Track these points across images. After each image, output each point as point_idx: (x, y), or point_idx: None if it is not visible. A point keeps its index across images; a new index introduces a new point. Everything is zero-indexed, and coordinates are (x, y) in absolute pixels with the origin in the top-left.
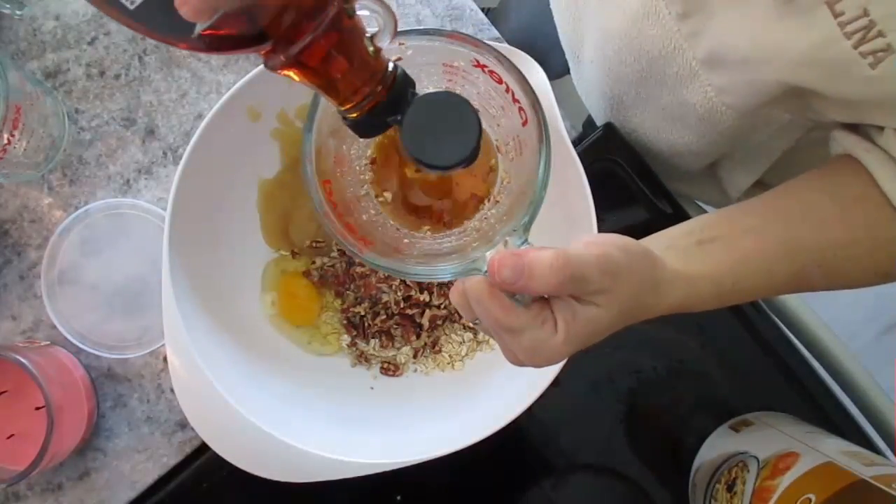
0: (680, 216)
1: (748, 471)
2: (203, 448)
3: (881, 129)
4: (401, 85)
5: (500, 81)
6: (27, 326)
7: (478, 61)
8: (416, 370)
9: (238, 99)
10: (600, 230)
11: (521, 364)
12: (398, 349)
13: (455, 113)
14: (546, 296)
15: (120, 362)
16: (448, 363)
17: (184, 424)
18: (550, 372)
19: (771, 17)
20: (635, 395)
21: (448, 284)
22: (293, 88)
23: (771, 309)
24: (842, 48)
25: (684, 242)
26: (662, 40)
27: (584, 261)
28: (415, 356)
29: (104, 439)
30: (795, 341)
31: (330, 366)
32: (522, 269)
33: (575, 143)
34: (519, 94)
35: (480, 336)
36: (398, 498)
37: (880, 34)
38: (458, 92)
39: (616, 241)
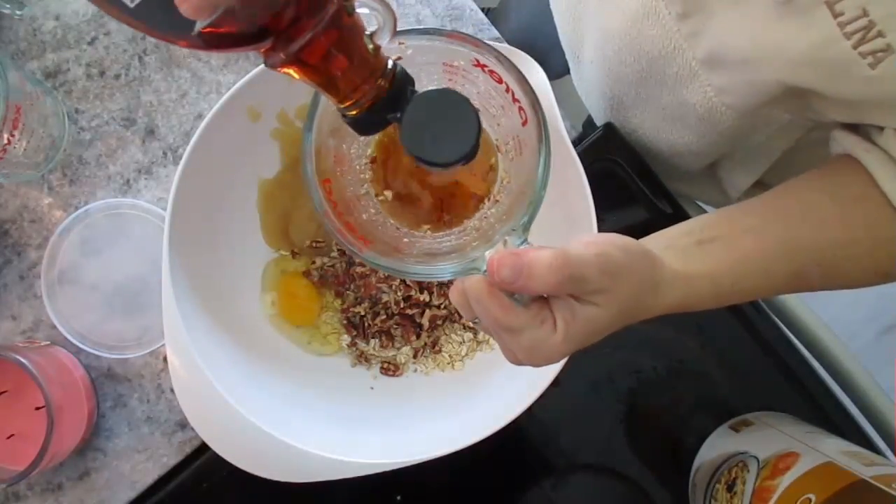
0: (680, 216)
1: (748, 471)
2: (203, 448)
3: (881, 129)
4: (400, 82)
5: (500, 81)
6: (27, 326)
7: (478, 61)
8: (416, 370)
9: (238, 99)
10: (600, 230)
11: (520, 363)
12: (398, 349)
13: (454, 110)
14: (545, 295)
15: (120, 362)
16: (448, 363)
17: (184, 424)
18: (550, 372)
19: (770, 18)
20: (635, 395)
21: (448, 284)
22: (293, 88)
23: (771, 309)
24: (841, 48)
25: (683, 242)
26: (662, 40)
27: (584, 260)
28: (415, 356)
29: (104, 439)
30: (795, 341)
31: (330, 366)
32: (521, 269)
33: (575, 143)
34: (519, 94)
35: (480, 336)
36: (398, 498)
37: (880, 34)
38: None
39: (615, 241)
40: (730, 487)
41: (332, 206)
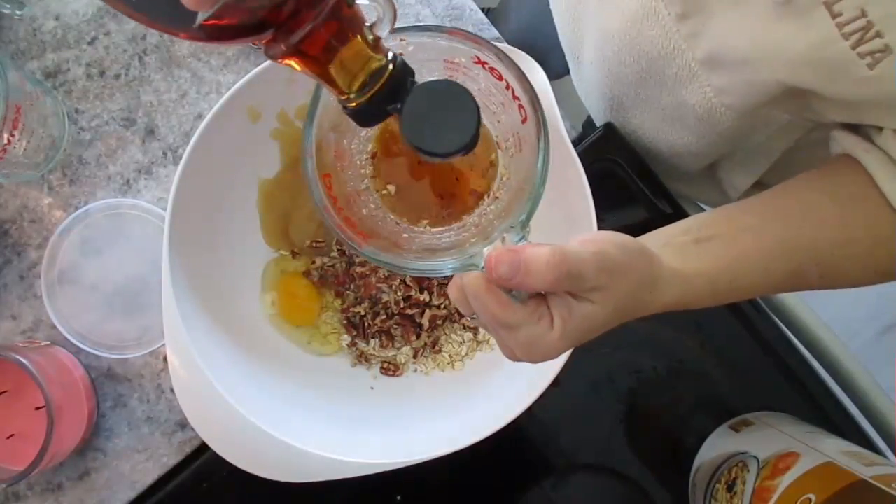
0: (680, 216)
1: (748, 471)
2: (203, 448)
3: (880, 129)
4: (400, 73)
5: (500, 78)
6: (27, 326)
7: (478, 58)
8: (416, 370)
9: (238, 99)
10: (600, 230)
11: (517, 360)
12: (398, 349)
13: (454, 101)
14: (543, 292)
15: (120, 362)
16: (448, 363)
17: (184, 424)
18: (550, 372)
19: (770, 18)
20: (635, 395)
21: (448, 284)
22: (293, 89)
23: (771, 309)
24: (840, 49)
25: (682, 240)
26: (662, 41)
27: (581, 258)
28: (415, 356)
29: (104, 439)
30: (795, 341)
31: (330, 366)
32: (519, 266)
33: (575, 143)
34: (518, 92)
35: (480, 336)
36: (398, 498)
37: (878, 35)
38: None
39: (613, 239)
40: (730, 487)
41: (332, 201)
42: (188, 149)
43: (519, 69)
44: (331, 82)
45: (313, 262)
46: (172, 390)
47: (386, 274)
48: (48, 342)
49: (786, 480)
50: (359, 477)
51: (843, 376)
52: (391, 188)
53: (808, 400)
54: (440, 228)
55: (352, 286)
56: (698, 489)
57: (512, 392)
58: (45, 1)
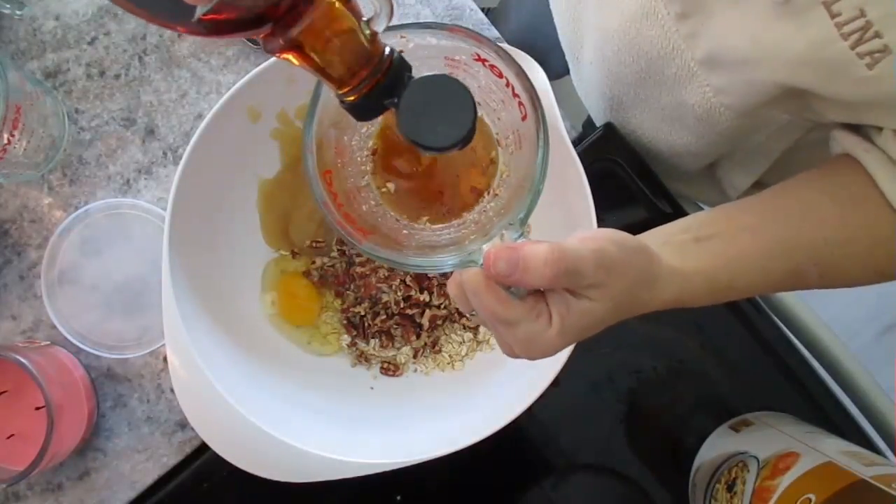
0: (679, 216)
1: (748, 471)
2: (203, 448)
3: (880, 129)
4: (397, 68)
5: (500, 76)
6: (27, 326)
7: (478, 55)
8: (416, 370)
9: (238, 99)
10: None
11: (515, 356)
12: (398, 349)
13: (451, 95)
14: (542, 289)
15: (120, 362)
16: (448, 363)
17: (184, 424)
18: (550, 372)
19: (769, 18)
20: (635, 395)
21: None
22: (293, 88)
23: (771, 309)
24: (839, 49)
25: (681, 238)
26: (661, 41)
27: (579, 255)
28: (415, 356)
29: (104, 439)
30: (795, 341)
31: (330, 366)
32: (517, 263)
33: (575, 143)
34: (518, 89)
35: (480, 336)
36: (398, 498)
37: (877, 35)
38: None
39: (612, 236)
40: (730, 487)
41: (332, 197)
42: (188, 149)
43: (519, 66)
44: (328, 77)
45: (313, 262)
46: (172, 390)
47: (386, 274)
48: (48, 342)
49: (786, 480)
50: (359, 477)
51: (843, 376)
52: (391, 185)
53: (808, 400)
54: (440, 225)
55: (352, 286)
56: (698, 489)
57: (512, 392)
58: (45, 1)
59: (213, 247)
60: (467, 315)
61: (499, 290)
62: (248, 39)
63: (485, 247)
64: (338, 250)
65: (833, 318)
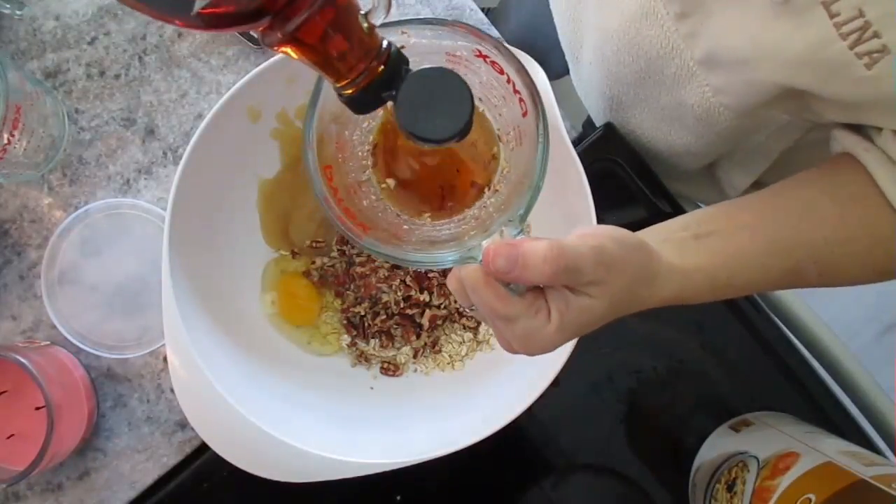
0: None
1: (748, 471)
2: (203, 448)
3: (880, 129)
4: (395, 62)
5: (501, 72)
6: (27, 326)
7: (479, 52)
8: (416, 370)
9: (238, 99)
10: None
11: (514, 352)
12: (398, 349)
13: (448, 87)
14: (541, 286)
15: (120, 362)
16: (448, 363)
17: (184, 424)
18: (550, 372)
19: (768, 18)
20: (635, 395)
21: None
22: (293, 88)
23: (771, 308)
24: (837, 49)
25: (681, 236)
26: (660, 40)
27: (579, 252)
28: (415, 356)
29: (104, 439)
30: (795, 341)
31: (330, 366)
32: (516, 259)
33: (575, 143)
34: (519, 85)
35: (480, 336)
36: (398, 498)
37: (876, 35)
38: None
39: (611, 233)
40: (730, 487)
41: (332, 192)
42: (188, 149)
43: (519, 63)
44: (326, 70)
45: (313, 262)
46: (172, 390)
47: (386, 274)
48: (48, 342)
49: (786, 480)
50: (359, 477)
51: (843, 376)
52: (392, 181)
53: (808, 400)
54: (440, 220)
55: (352, 286)
56: (698, 489)
57: (512, 392)
58: (45, 1)
59: (213, 247)
60: (467, 309)
61: (498, 287)
62: (248, 38)
63: (484, 243)
64: (338, 250)
65: (833, 318)
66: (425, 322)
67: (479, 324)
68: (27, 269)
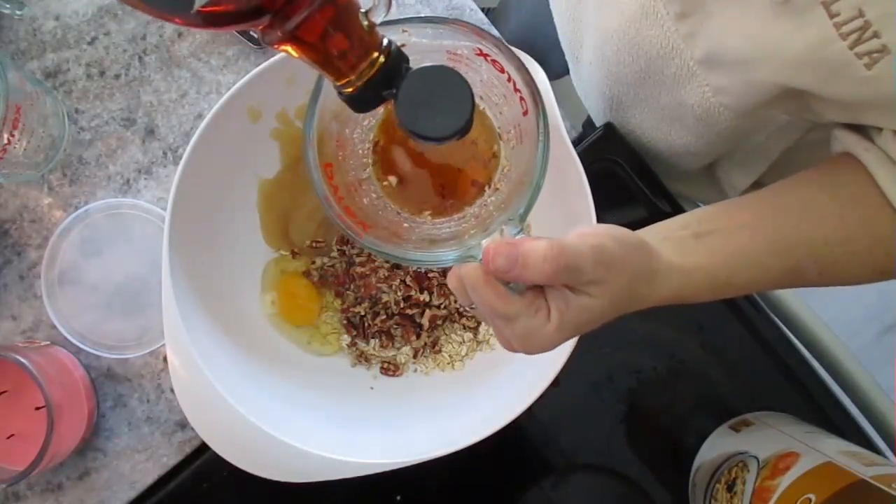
0: None
1: (748, 471)
2: (203, 448)
3: (880, 129)
4: (395, 60)
5: (502, 71)
6: (27, 326)
7: (480, 50)
8: (416, 370)
9: (238, 99)
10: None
11: (514, 350)
12: (398, 349)
13: (448, 85)
14: (541, 285)
15: (120, 362)
16: (448, 363)
17: (184, 424)
18: (550, 372)
19: (768, 17)
20: (635, 395)
21: (447, 284)
22: (293, 88)
23: (771, 308)
24: (837, 49)
25: (681, 235)
26: (660, 40)
27: (578, 251)
28: (415, 356)
29: (104, 439)
30: (795, 341)
31: (330, 366)
32: (516, 259)
33: (575, 143)
34: (520, 84)
35: (480, 336)
36: (398, 498)
37: (875, 35)
38: None
39: (611, 232)
40: (730, 487)
41: (332, 190)
42: (188, 149)
43: (520, 61)
44: (327, 68)
45: (313, 262)
46: (172, 390)
47: (386, 274)
48: (48, 342)
49: (786, 480)
50: (359, 477)
51: (843, 376)
52: (393, 178)
53: (808, 400)
54: (441, 219)
55: (352, 286)
56: (698, 489)
57: (512, 392)
58: (45, 1)
59: (213, 247)
60: (467, 308)
61: (498, 285)
62: (248, 38)
63: (484, 242)
64: (338, 250)
65: (833, 318)
66: (425, 322)
67: (479, 324)
68: (27, 269)
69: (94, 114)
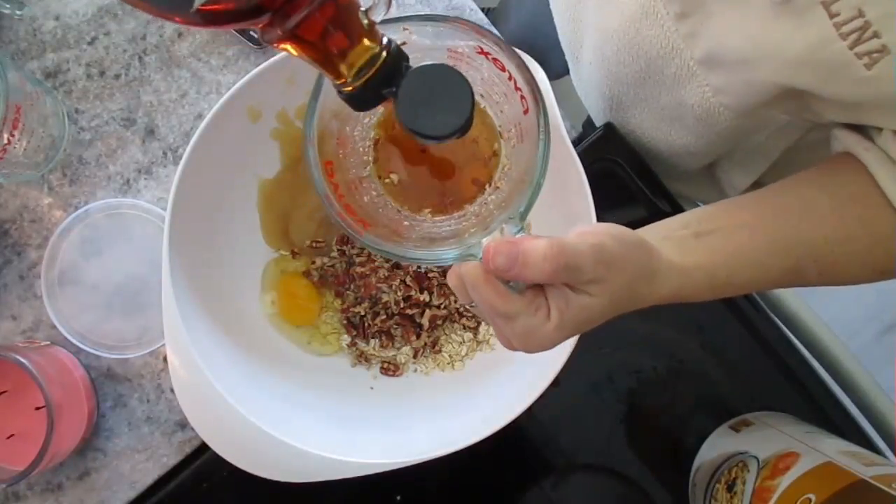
0: None
1: (748, 471)
2: (203, 448)
3: (880, 129)
4: (395, 58)
5: (503, 69)
6: (27, 326)
7: (481, 48)
8: (416, 370)
9: (238, 99)
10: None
11: (514, 349)
12: (398, 349)
13: (449, 84)
14: (541, 283)
15: (120, 362)
16: (448, 363)
17: (184, 424)
18: (550, 372)
19: (768, 17)
20: (635, 395)
21: (447, 284)
22: (293, 88)
23: (771, 308)
24: (837, 49)
25: (681, 234)
26: (660, 40)
27: (578, 250)
28: (415, 356)
29: (104, 439)
30: (795, 341)
31: (330, 366)
32: (516, 257)
33: (575, 143)
34: (520, 82)
35: (480, 336)
36: (398, 498)
37: (875, 35)
38: None
39: (611, 231)
40: (730, 487)
41: (333, 188)
42: (188, 149)
43: (520, 59)
44: (326, 67)
45: (313, 262)
46: (172, 390)
47: (386, 274)
48: (48, 342)
49: (786, 480)
50: (359, 477)
51: (843, 376)
52: (394, 176)
53: (808, 400)
54: (441, 217)
55: (352, 286)
56: (698, 489)
57: (512, 392)
58: (45, 1)
59: (213, 247)
60: (467, 306)
61: (498, 284)
62: (248, 38)
63: (484, 241)
64: (338, 250)
65: (833, 318)
66: (425, 322)
67: (479, 324)
68: (27, 269)
69: (94, 114)
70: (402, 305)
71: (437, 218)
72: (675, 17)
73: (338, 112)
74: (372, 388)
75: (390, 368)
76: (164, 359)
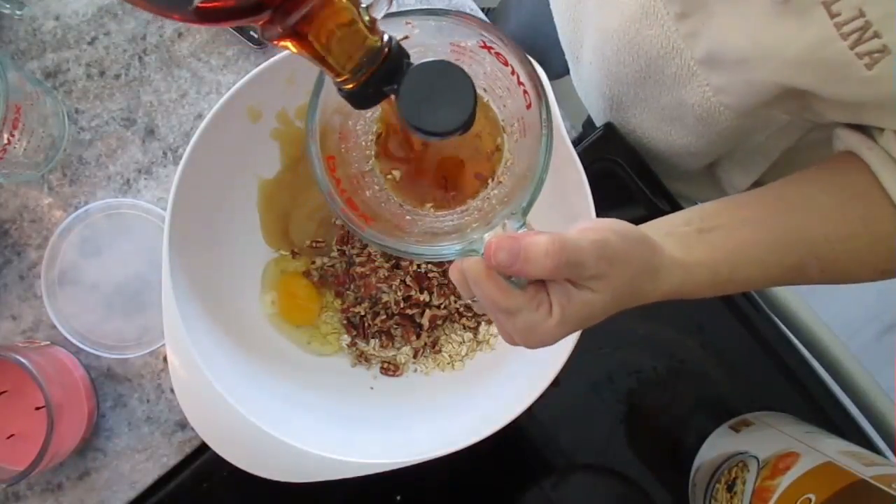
0: None
1: (748, 471)
2: (203, 448)
3: (882, 129)
4: (396, 55)
5: (505, 64)
6: (27, 326)
7: (484, 43)
8: (416, 370)
9: (238, 99)
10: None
11: (515, 344)
12: (398, 349)
13: (450, 80)
14: (543, 279)
15: (120, 362)
16: (448, 363)
17: (184, 424)
18: (550, 372)
19: (769, 17)
20: (635, 395)
21: (448, 283)
22: (293, 88)
23: (770, 308)
24: (838, 49)
25: (684, 230)
26: (661, 40)
27: (580, 246)
28: (415, 356)
29: (104, 439)
30: (795, 341)
31: (330, 366)
32: (518, 253)
33: (575, 143)
34: (523, 77)
35: (480, 336)
36: (398, 498)
37: (876, 35)
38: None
39: (614, 227)
40: (730, 487)
41: (335, 183)
42: (188, 149)
43: (523, 54)
44: (327, 64)
45: (313, 262)
46: (172, 390)
47: (386, 274)
48: (48, 342)
49: (786, 480)
50: (359, 477)
51: (843, 376)
52: (396, 171)
53: (808, 400)
54: (443, 211)
55: (352, 286)
56: (698, 489)
57: (512, 392)
58: (45, 1)
59: (213, 247)
60: (468, 301)
61: (499, 279)
62: (248, 38)
63: (486, 236)
64: (338, 250)
65: (833, 318)
66: (425, 322)
67: (479, 324)
68: (27, 269)
69: (94, 114)
70: (402, 305)
71: (439, 213)
72: (675, 16)
73: (340, 107)
74: (372, 388)
75: (390, 368)
76: (164, 359)
